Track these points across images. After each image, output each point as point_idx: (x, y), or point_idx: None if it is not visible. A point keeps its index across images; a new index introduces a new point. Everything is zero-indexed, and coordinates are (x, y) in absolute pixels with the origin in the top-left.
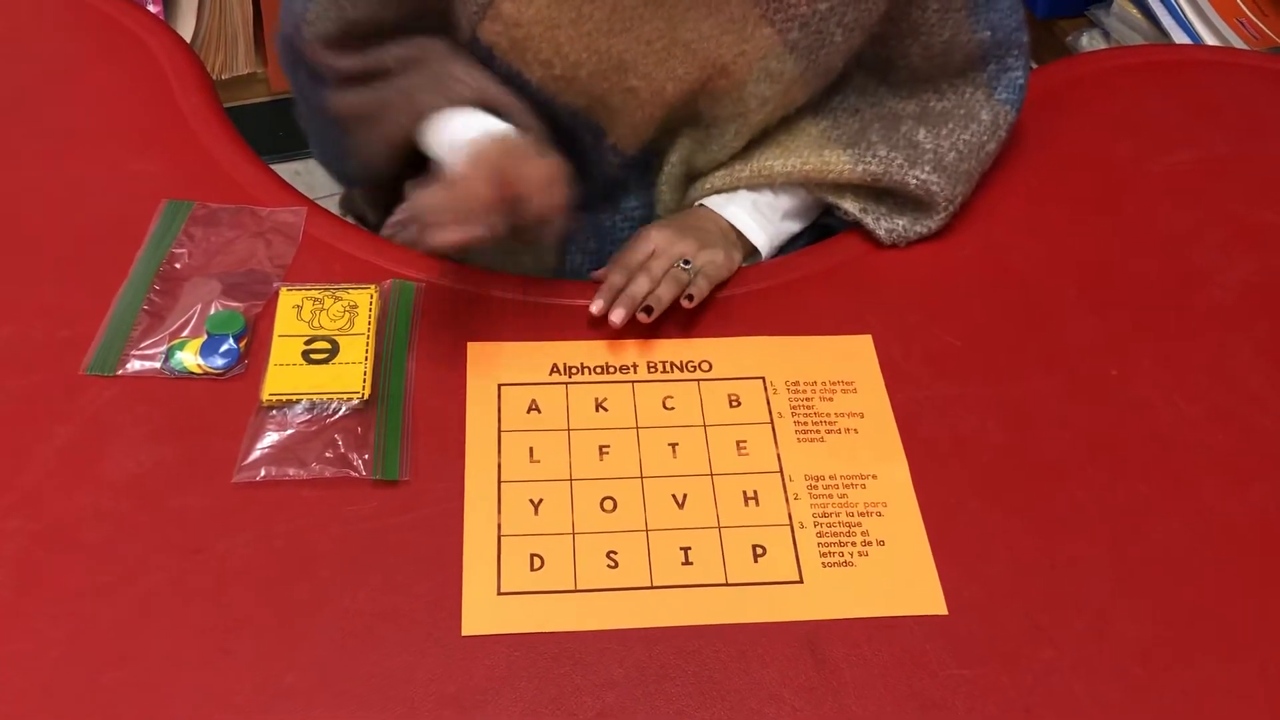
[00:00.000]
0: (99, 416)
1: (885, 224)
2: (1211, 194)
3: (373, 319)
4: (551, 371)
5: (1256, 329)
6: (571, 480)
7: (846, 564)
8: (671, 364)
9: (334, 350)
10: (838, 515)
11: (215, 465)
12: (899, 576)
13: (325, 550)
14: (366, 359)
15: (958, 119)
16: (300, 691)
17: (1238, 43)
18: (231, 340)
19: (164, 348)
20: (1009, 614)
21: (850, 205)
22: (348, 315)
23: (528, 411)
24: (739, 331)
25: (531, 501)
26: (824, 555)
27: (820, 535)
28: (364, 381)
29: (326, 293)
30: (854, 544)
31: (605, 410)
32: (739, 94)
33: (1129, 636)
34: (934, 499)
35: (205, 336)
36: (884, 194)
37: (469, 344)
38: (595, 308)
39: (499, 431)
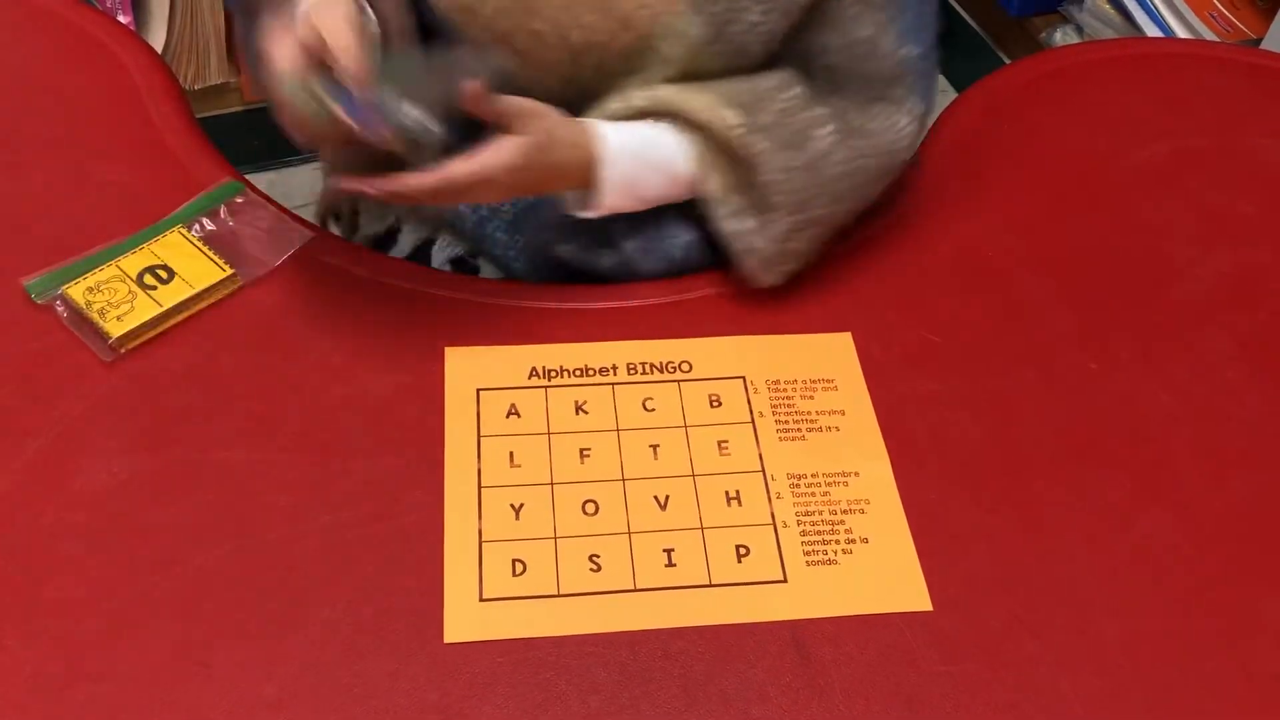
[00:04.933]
0: (70, 429)
1: (733, 224)
2: (1186, 186)
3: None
4: (530, 375)
5: (1234, 321)
6: (552, 484)
7: (830, 562)
8: (651, 365)
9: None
10: (820, 513)
11: (189, 477)
12: (883, 573)
13: (303, 561)
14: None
15: (869, 135)
16: (280, 704)
17: (1210, 36)
18: None
19: None
20: (993, 609)
21: (715, 184)
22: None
23: (507, 416)
24: (718, 331)
25: (512, 506)
26: (808, 554)
27: (804, 534)
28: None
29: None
30: (837, 542)
31: (585, 413)
32: (647, 50)
33: (1113, 630)
34: (916, 495)
35: None
36: (750, 186)
37: (446, 349)
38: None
39: (478, 437)
